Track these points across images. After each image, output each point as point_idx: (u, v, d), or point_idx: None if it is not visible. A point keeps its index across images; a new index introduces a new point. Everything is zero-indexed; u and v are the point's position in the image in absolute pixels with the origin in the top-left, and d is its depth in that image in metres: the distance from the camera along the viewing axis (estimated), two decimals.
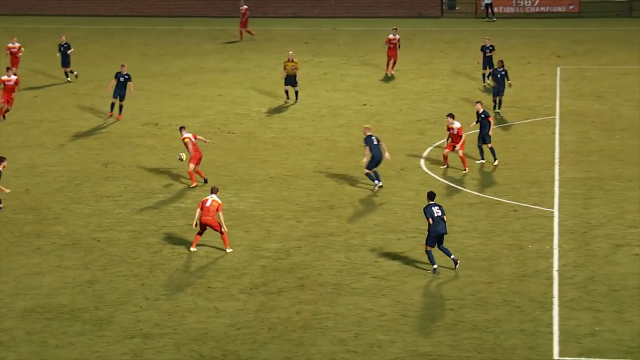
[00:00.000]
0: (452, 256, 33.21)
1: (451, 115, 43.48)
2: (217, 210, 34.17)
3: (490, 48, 58.39)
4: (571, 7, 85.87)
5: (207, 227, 34.38)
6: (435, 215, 32.74)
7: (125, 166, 44.52)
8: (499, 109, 51.61)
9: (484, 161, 43.67)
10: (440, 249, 33.12)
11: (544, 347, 27.89)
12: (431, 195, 33.59)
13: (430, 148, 46.58)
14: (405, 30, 77.45)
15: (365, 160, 40.84)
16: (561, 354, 27.51)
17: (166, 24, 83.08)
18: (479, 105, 44.22)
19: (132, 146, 47.58)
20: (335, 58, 68.54)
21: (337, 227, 37.15)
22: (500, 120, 51.01)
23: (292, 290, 31.75)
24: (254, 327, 29.21)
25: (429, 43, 72.44)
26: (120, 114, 51.23)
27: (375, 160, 40.92)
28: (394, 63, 61.72)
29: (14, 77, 50.30)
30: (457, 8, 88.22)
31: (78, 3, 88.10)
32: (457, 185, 41.45)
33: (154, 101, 55.74)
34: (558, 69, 63.45)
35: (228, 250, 34.50)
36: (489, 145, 43.55)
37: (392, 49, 61.35)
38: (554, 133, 48.96)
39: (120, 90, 50.60)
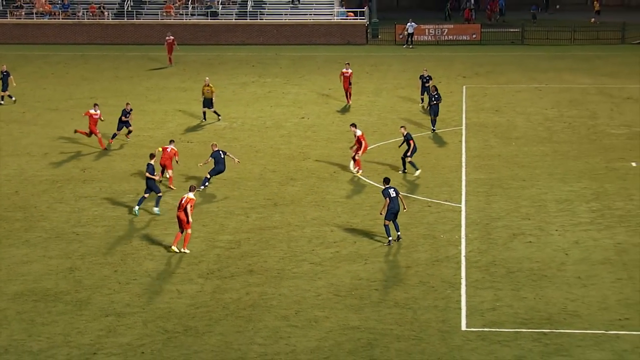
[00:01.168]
0: (399, 233, 34.48)
1: (353, 125, 44.02)
2: (188, 203, 33.47)
3: (427, 78, 56.87)
4: (474, 35, 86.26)
5: (179, 221, 33.70)
6: (392, 196, 34.01)
7: (100, 171, 44.21)
8: (433, 126, 51.14)
9: (405, 172, 43.42)
10: (394, 222, 34.04)
11: (453, 320, 28.01)
12: (387, 180, 34.96)
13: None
14: (336, 55, 77.65)
15: (203, 163, 41.83)
16: (468, 326, 27.65)
17: (135, 51, 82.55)
18: (402, 130, 43.81)
19: (106, 154, 47.26)
20: (278, 79, 68.43)
21: (280, 222, 37.09)
22: (416, 130, 51.07)
23: (242, 274, 31.68)
24: (210, 306, 29.12)
25: (356, 66, 72.27)
26: (128, 135, 49.33)
27: (218, 170, 41.33)
28: (350, 94, 58.66)
29: (99, 112, 48.72)
30: (379, 37, 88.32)
31: (59, 33, 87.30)
32: (381, 185, 41.40)
33: (113, 113, 55.25)
34: (464, 87, 63.74)
35: (183, 251, 33.62)
36: (409, 159, 43.18)
37: (346, 81, 58.17)
38: (460, 141, 49.17)
39: (123, 125, 48.54)
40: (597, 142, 48.63)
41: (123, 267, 32.39)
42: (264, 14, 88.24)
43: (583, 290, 30.14)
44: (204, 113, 54.20)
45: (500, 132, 50.87)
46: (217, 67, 73.40)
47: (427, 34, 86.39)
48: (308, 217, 37.60)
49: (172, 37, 74.38)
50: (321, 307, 29.10)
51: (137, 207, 38.08)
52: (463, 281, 30.93)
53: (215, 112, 54.07)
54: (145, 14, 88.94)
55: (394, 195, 34.18)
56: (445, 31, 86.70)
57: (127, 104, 49.29)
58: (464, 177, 42.70)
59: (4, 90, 59.20)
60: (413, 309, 28.87)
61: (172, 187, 41.12)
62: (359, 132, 43.20)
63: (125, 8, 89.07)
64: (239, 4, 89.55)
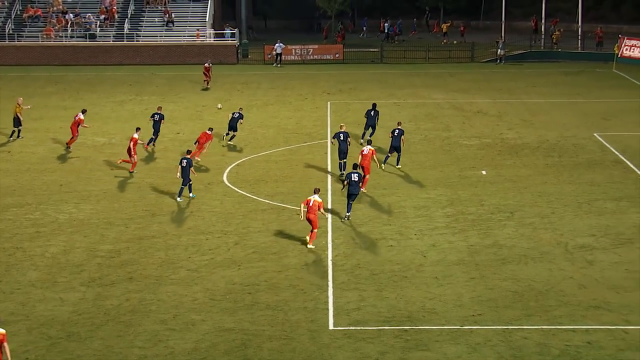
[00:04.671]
0: (348, 214, 37.66)
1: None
2: (319, 208, 34.20)
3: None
4: (337, 55, 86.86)
5: (309, 222, 34.35)
6: (352, 179, 37.12)
7: None
8: (366, 138, 49.30)
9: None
10: (348, 203, 37.55)
11: (322, 320, 28.12)
12: (354, 166, 38.47)
13: (231, 166, 46.50)
14: None
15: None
16: (335, 325, 27.78)
17: (16, 71, 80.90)
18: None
19: None
20: (154, 97, 67.76)
21: (158, 231, 36.76)
22: (286, 143, 51.22)
23: (122, 282, 31.29)
24: (92, 313, 28.68)
25: (228, 84, 72.34)
26: (148, 145, 50.19)
27: (341, 150, 44.00)
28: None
29: (83, 117, 50.31)
30: (249, 57, 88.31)
31: None
32: (253, 195, 41.46)
33: (7, 133, 54.11)
34: (328, 103, 64.08)
35: (309, 246, 34.44)
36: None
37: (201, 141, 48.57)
38: (326, 153, 49.37)
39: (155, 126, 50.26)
40: (450, 152, 49.40)
41: (7, 278, 31.65)
42: (140, 36, 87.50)
43: (440, 289, 30.56)
44: (13, 132, 53.07)
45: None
46: (96, 86, 72.40)
47: (293, 53, 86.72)
48: (184, 227, 37.34)
49: (210, 64, 72.57)
50: (198, 310, 28.93)
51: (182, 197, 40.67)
52: (330, 283, 31.08)
53: (18, 130, 52.99)
54: (26, 36, 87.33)
55: (356, 179, 37.05)
56: (311, 51, 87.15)
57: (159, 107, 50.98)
58: (329, 187, 42.90)
59: None
60: (284, 310, 28.89)
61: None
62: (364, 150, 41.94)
63: (7, 30, 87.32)
64: (116, 26, 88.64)
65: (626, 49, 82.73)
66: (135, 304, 29.43)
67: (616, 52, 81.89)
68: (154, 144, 50.51)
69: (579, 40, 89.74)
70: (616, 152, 49.04)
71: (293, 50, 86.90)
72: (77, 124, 49.89)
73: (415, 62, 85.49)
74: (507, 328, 27.52)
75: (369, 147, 41.98)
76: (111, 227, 37.29)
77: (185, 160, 40.59)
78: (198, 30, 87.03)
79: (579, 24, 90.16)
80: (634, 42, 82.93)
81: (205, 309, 29.01)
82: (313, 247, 34.52)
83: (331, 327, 27.69)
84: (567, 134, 53.44)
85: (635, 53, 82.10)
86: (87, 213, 39.15)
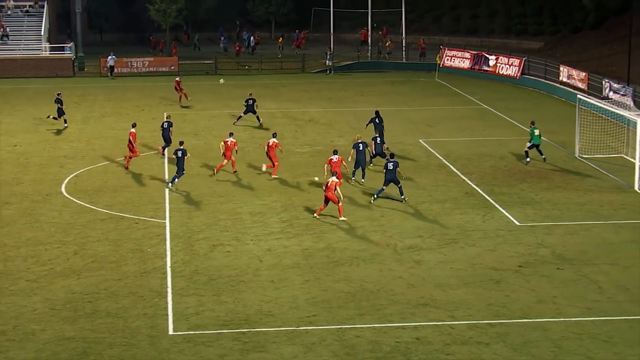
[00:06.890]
0: (403, 196, 40.69)
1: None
2: (336, 186, 37.75)
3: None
4: (172, 67, 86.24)
5: (328, 199, 38.07)
6: (388, 168, 40.21)
7: None
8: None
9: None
10: (398, 188, 40.52)
11: (161, 325, 27.91)
12: (392, 155, 42.46)
13: (69, 177, 45.63)
14: (46, 87, 75.70)
15: None
16: (175, 330, 27.63)
17: None
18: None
19: None
20: None
21: None
22: (123, 154, 50.55)
23: None
24: None
25: (64, 96, 70.66)
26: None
27: (359, 160, 44.03)
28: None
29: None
30: (85, 69, 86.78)
31: None
32: (91, 205, 40.79)
33: None
34: (165, 114, 63.32)
35: (342, 219, 38.15)
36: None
37: None
38: (163, 162, 48.91)
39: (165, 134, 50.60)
40: (284, 160, 49.61)
41: None
42: None
43: (276, 292, 30.71)
44: None
45: (198, 153, 50.99)
46: None
47: (129, 66, 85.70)
48: (23, 238, 36.44)
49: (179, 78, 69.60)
50: (38, 320, 28.29)
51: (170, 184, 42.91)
52: (169, 290, 30.86)
53: None
54: None
55: (391, 167, 39.98)
56: (147, 63, 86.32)
57: (168, 116, 52.98)
58: (167, 195, 42.58)
59: None
60: (124, 317, 28.54)
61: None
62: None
63: None
64: None
65: (447, 59, 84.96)
66: None
67: (438, 62, 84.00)
68: (164, 150, 50.50)
69: (404, 51, 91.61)
70: (440, 157, 50.27)
71: (129, 63, 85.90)
72: (130, 140, 47.63)
73: (249, 73, 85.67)
74: (341, 327, 27.84)
75: (336, 156, 42.13)
76: None
77: (180, 151, 42.73)
78: None
79: (403, 35, 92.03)
80: (453, 52, 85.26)
81: (45, 319, 28.39)
82: (346, 218, 38.20)
83: (171, 332, 27.50)
84: (395, 141, 54.42)
85: (455, 63, 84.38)
86: None
